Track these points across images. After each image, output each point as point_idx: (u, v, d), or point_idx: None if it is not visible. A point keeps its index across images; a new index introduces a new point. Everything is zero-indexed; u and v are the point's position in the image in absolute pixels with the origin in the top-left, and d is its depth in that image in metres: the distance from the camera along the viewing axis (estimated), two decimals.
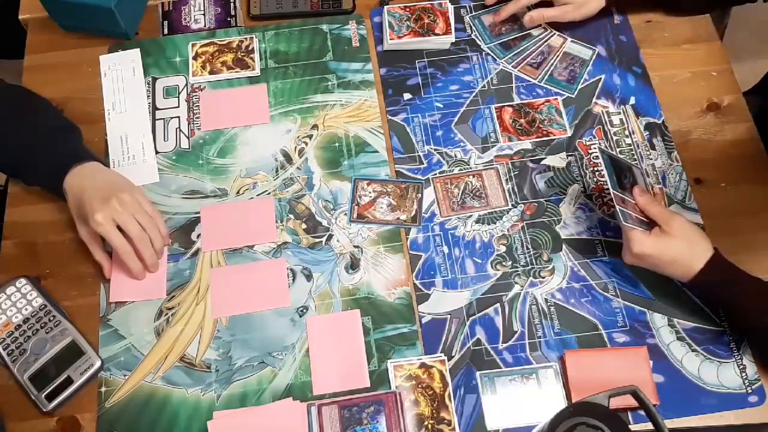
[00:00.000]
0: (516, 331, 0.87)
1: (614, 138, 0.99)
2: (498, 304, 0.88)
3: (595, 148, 0.97)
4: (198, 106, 1.02)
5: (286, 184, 0.96)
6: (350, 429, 0.80)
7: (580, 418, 0.70)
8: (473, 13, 1.08)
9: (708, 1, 1.07)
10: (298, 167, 0.97)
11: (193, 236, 0.93)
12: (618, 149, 0.98)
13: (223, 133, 1.00)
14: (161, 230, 0.89)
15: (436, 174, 0.97)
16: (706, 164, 0.97)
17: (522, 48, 1.05)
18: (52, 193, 0.91)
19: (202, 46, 1.05)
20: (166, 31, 1.08)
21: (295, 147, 0.99)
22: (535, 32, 1.07)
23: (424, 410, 0.82)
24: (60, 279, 0.91)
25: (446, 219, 0.94)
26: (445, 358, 0.85)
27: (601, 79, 1.03)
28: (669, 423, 0.80)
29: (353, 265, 0.91)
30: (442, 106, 1.01)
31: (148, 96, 1.02)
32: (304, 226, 0.94)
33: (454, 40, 1.05)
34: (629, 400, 0.74)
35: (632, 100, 1.01)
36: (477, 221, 0.94)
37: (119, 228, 0.84)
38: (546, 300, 0.89)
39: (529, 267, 0.91)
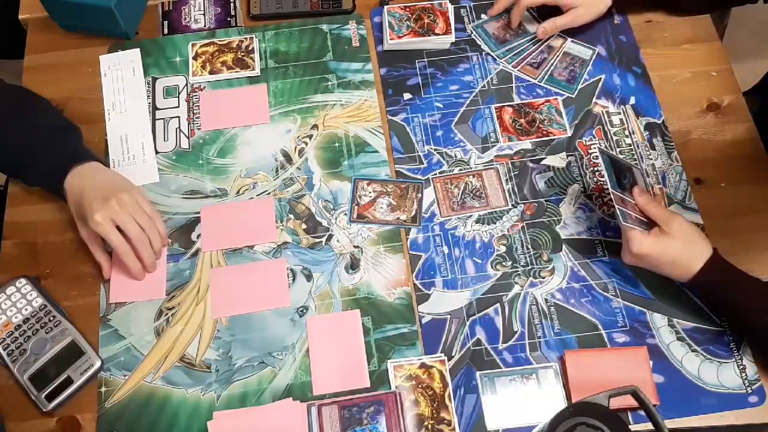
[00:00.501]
0: (516, 331, 0.87)
1: (614, 138, 0.99)
2: (498, 304, 0.88)
3: (595, 148, 0.97)
4: (198, 106, 1.02)
5: (286, 184, 0.96)
6: (350, 429, 0.80)
7: (580, 418, 0.70)
8: (475, 23, 1.08)
9: (708, 2, 1.06)
10: (298, 167, 0.97)
11: (193, 236, 0.93)
12: (618, 149, 0.98)
13: (223, 133, 1.00)
14: (160, 231, 0.89)
15: (436, 174, 0.97)
16: (706, 164, 0.97)
17: (522, 48, 1.05)
18: (52, 193, 0.91)
19: (202, 46, 1.05)
20: (166, 31, 1.08)
21: (295, 147, 0.99)
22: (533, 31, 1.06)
23: (424, 410, 0.82)
24: (60, 279, 0.91)
25: (446, 219, 0.94)
26: (445, 358, 0.85)
27: (601, 79, 1.03)
28: (669, 423, 0.80)
29: (353, 265, 0.91)
30: (442, 106, 1.01)
31: (148, 96, 1.02)
32: (304, 226, 0.94)
33: (454, 40, 1.05)
34: (629, 400, 0.74)
35: (632, 100, 1.01)
36: (477, 221, 0.94)
37: (119, 229, 0.84)
38: (546, 300, 0.89)
39: (529, 267, 0.91)
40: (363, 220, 0.94)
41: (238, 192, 0.96)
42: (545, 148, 0.98)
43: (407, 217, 0.94)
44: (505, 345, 0.86)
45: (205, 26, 1.08)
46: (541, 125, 1.00)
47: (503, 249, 0.92)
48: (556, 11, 1.03)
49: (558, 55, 1.04)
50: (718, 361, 0.85)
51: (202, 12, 1.09)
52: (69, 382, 0.83)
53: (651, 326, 0.87)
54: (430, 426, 0.81)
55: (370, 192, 0.96)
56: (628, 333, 0.87)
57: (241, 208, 0.95)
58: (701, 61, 1.04)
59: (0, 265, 0.91)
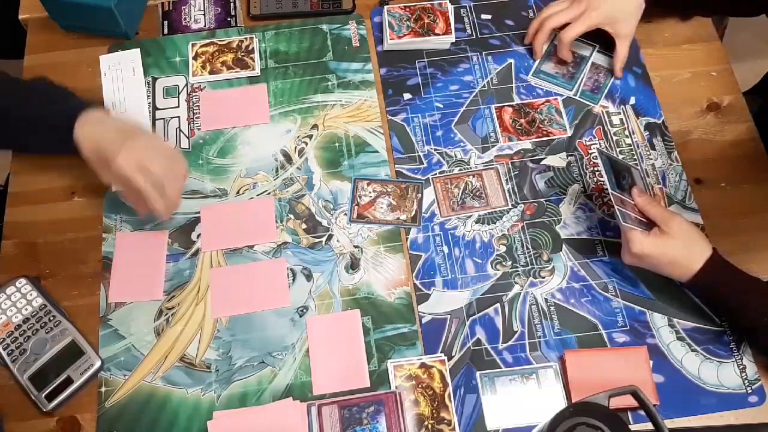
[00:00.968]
0: (516, 331, 0.87)
1: (614, 138, 0.99)
2: (498, 304, 0.88)
3: (594, 149, 0.97)
4: (198, 106, 1.02)
5: (286, 184, 0.96)
6: (350, 429, 0.80)
7: (580, 418, 0.70)
8: (533, 71, 1.03)
9: (708, 7, 1.06)
10: (298, 167, 0.97)
11: (193, 236, 0.93)
12: (618, 149, 0.98)
13: (223, 133, 1.00)
14: (182, 166, 0.87)
15: (436, 174, 0.97)
16: (706, 164, 0.97)
17: (584, 74, 1.03)
18: (61, 153, 0.87)
19: (202, 46, 1.05)
20: (166, 31, 1.08)
21: (295, 147, 0.99)
22: (585, 53, 1.05)
23: (424, 410, 0.82)
24: (60, 279, 0.91)
25: (446, 219, 0.94)
26: (445, 358, 0.85)
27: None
28: (669, 423, 0.80)
29: (353, 265, 0.91)
30: (442, 106, 1.01)
31: (148, 96, 1.02)
32: (304, 226, 0.94)
33: (454, 40, 1.05)
34: (629, 400, 0.74)
35: (632, 100, 1.01)
36: (477, 221, 0.94)
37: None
38: (546, 300, 0.89)
39: (529, 267, 0.91)
40: (363, 220, 0.94)
41: (238, 192, 0.96)
42: (545, 148, 0.98)
43: (407, 217, 0.94)
44: (505, 345, 0.86)
45: (205, 26, 1.08)
46: (541, 125, 1.00)
47: (503, 249, 0.92)
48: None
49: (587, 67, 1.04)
50: (718, 361, 0.85)
51: (202, 12, 1.09)
52: (69, 381, 0.83)
53: (651, 326, 0.87)
54: (430, 426, 0.81)
55: (370, 192, 0.96)
56: (628, 333, 0.87)
57: (241, 208, 0.95)
58: (701, 61, 1.04)
59: (0, 265, 0.91)
